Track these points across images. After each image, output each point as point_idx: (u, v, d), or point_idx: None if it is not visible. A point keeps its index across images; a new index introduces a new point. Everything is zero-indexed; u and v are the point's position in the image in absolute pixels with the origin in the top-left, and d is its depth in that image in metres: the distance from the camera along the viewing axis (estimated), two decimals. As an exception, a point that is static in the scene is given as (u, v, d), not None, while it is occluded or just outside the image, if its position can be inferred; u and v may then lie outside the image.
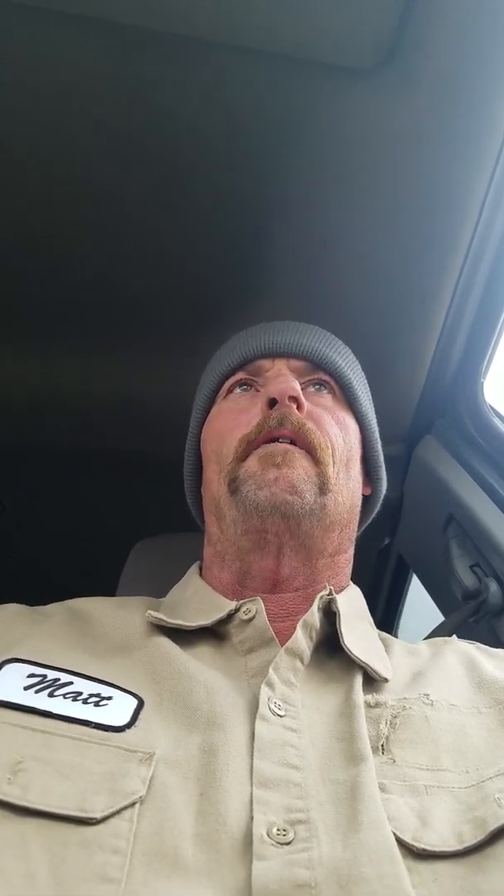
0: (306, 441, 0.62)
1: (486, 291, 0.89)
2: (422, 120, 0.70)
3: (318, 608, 0.56)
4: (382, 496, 0.77)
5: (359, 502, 0.70)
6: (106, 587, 0.95)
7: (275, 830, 0.39)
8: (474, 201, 0.78)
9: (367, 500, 0.75)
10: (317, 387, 0.70)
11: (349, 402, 0.71)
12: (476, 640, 0.67)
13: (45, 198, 0.77)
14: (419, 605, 1.15)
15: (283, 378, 0.66)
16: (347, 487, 0.66)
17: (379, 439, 0.75)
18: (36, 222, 0.80)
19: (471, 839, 0.40)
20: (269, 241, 0.84)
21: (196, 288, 0.89)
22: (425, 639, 0.84)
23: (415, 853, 0.39)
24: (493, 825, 0.40)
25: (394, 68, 0.66)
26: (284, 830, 0.39)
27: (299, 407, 0.64)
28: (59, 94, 0.67)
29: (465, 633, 0.88)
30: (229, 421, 0.67)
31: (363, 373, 0.77)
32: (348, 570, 0.69)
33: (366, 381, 0.77)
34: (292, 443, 0.62)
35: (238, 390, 0.71)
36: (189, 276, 0.88)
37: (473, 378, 0.96)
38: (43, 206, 0.78)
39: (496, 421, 0.94)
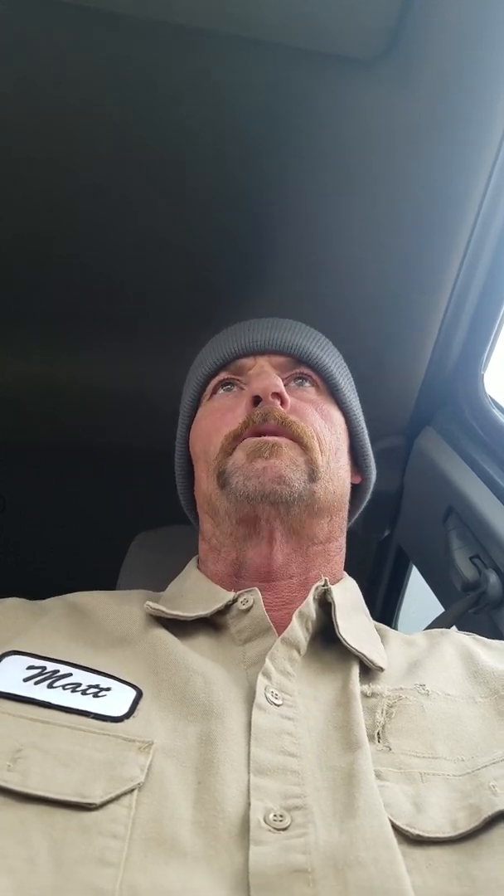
0: (291, 433, 0.63)
1: (486, 283, 0.88)
2: (421, 111, 0.69)
3: (314, 598, 0.57)
4: (372, 485, 0.78)
5: (347, 491, 0.71)
6: (107, 579, 0.96)
7: (272, 816, 0.39)
8: (474, 193, 0.77)
9: (357, 490, 0.76)
10: (299, 381, 0.71)
11: (332, 393, 0.72)
12: (476, 631, 0.67)
13: (45, 194, 0.77)
14: (419, 596, 1.16)
15: (266, 375, 0.67)
16: (337, 476, 0.67)
17: (365, 429, 0.76)
18: (36, 219, 0.80)
19: (465, 826, 0.40)
20: (268, 233, 0.84)
21: (195, 282, 0.89)
22: (425, 630, 0.85)
23: (409, 839, 0.39)
24: (487, 812, 0.40)
25: (394, 59, 0.65)
26: (281, 816, 0.39)
27: (283, 402, 0.65)
28: (58, 86, 0.67)
29: (465, 625, 0.88)
30: (215, 420, 0.68)
31: (346, 365, 0.78)
32: (341, 558, 0.70)
33: (349, 373, 0.78)
34: (277, 436, 0.63)
35: (222, 391, 0.72)
36: (188, 269, 0.88)
37: (474, 370, 0.96)
38: (43, 203, 0.78)
39: (496, 412, 0.94)
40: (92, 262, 0.86)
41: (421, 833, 0.40)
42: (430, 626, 0.87)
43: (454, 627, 0.87)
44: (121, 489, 1.23)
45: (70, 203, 0.78)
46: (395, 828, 0.39)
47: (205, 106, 0.69)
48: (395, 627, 1.22)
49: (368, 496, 0.78)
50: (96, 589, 0.67)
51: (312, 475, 0.62)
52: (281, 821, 0.39)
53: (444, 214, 0.80)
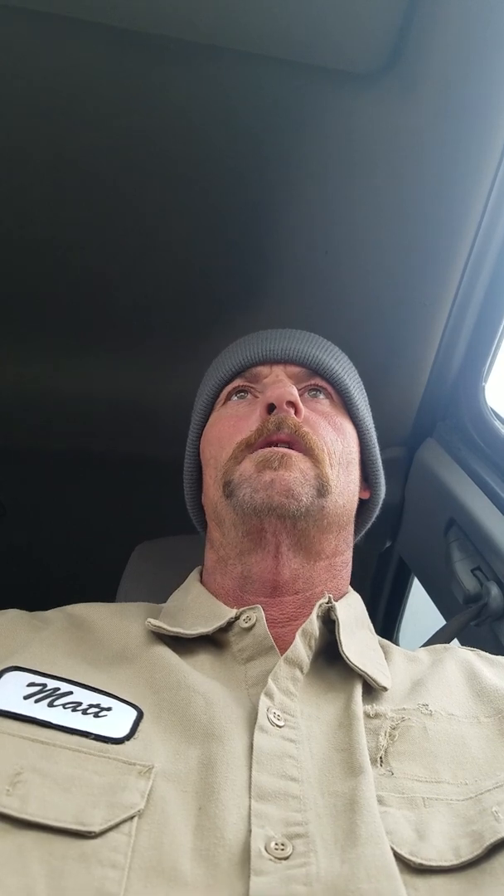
0: (304, 444, 0.63)
1: (487, 295, 0.88)
2: (423, 125, 0.70)
3: (318, 616, 0.56)
4: (381, 501, 0.77)
5: (356, 506, 0.70)
6: (107, 589, 0.95)
7: (273, 845, 0.39)
8: (476, 206, 0.77)
9: (365, 505, 0.75)
10: (314, 393, 0.71)
11: (346, 407, 0.72)
12: (477, 644, 0.67)
13: (48, 203, 0.77)
14: (420, 608, 1.15)
15: (281, 384, 0.66)
16: (347, 490, 0.66)
17: (377, 444, 0.75)
18: (38, 226, 0.80)
19: (468, 854, 0.40)
20: (271, 245, 0.84)
21: (198, 291, 0.89)
22: (427, 642, 0.84)
23: (412, 868, 0.39)
24: (489, 839, 0.40)
25: (396, 73, 0.65)
26: (283, 845, 0.39)
27: (297, 412, 0.64)
28: (63, 100, 0.67)
29: (467, 637, 0.88)
30: (228, 427, 0.68)
31: (360, 378, 0.77)
32: (346, 573, 0.69)
33: (363, 387, 0.77)
34: (289, 446, 0.62)
35: (236, 397, 0.71)
36: (191, 279, 0.88)
37: (475, 381, 0.96)
38: (45, 211, 0.78)
39: (497, 424, 0.94)
40: (95, 272, 0.86)
41: (423, 862, 0.39)
42: (431, 639, 0.87)
43: (456, 640, 0.87)
44: (122, 498, 1.23)
45: (73, 213, 0.78)
46: (397, 856, 0.39)
47: (209, 120, 0.69)
48: (396, 639, 1.22)
49: (377, 512, 0.77)
50: (97, 598, 0.67)
51: (322, 489, 0.62)
52: (282, 850, 0.38)
53: (445, 226, 0.80)
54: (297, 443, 0.62)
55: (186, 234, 0.82)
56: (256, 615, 0.57)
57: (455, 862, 0.39)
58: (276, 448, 0.62)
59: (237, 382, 0.72)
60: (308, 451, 0.62)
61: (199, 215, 0.80)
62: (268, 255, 0.85)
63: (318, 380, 0.71)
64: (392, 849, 0.39)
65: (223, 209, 0.79)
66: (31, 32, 0.61)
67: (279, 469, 0.60)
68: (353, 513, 0.69)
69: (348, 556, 0.69)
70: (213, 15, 0.60)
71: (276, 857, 0.38)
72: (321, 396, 0.70)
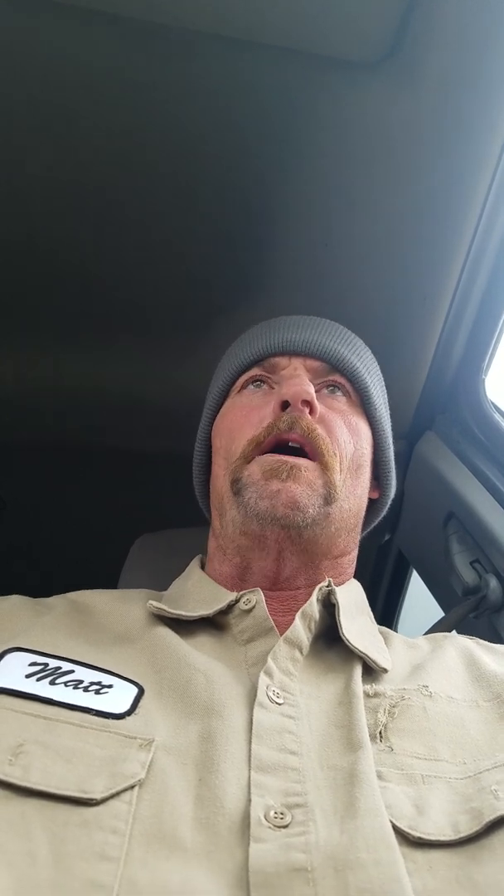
0: (315, 447, 0.62)
1: (487, 288, 0.89)
2: (423, 115, 0.70)
3: (318, 599, 0.57)
4: (390, 500, 0.76)
5: (364, 506, 0.69)
6: (107, 581, 0.96)
7: (272, 814, 0.39)
8: (476, 197, 0.78)
9: (374, 503, 0.74)
10: (331, 389, 0.69)
11: (364, 405, 0.70)
12: (476, 636, 0.67)
13: (47, 199, 0.78)
14: (419, 600, 1.16)
15: (298, 380, 0.64)
16: (354, 494, 0.65)
17: (392, 444, 0.74)
18: (38, 223, 0.81)
19: (467, 830, 0.40)
20: (269, 239, 0.84)
21: (196, 287, 0.90)
22: (425, 634, 0.84)
23: (410, 841, 0.39)
24: (489, 816, 0.40)
25: (396, 63, 0.66)
26: (282, 814, 0.39)
27: (311, 411, 0.63)
28: (58, 91, 0.67)
29: (465, 629, 0.88)
30: (240, 417, 0.67)
31: (381, 375, 0.76)
32: (351, 569, 0.69)
33: (383, 383, 0.76)
34: (301, 448, 0.62)
35: (252, 386, 0.70)
36: (189, 275, 0.88)
37: (474, 374, 0.97)
38: (44, 208, 0.79)
39: (497, 417, 0.94)
40: (93, 268, 0.86)
41: (422, 835, 0.39)
42: (430, 631, 0.87)
43: (454, 632, 0.87)
44: (123, 491, 1.23)
45: (73, 209, 0.79)
46: (396, 829, 0.39)
47: (206, 110, 0.69)
48: (394, 631, 1.22)
49: (385, 511, 0.77)
50: (97, 586, 0.67)
51: (329, 497, 0.61)
52: (282, 818, 0.39)
53: (445, 220, 0.81)
54: (309, 445, 0.62)
55: (184, 231, 0.82)
56: (256, 597, 0.58)
57: (454, 837, 0.40)
58: (285, 458, 0.61)
59: (254, 371, 0.70)
60: (318, 455, 0.62)
61: (196, 211, 0.80)
62: (266, 247, 0.85)
63: (338, 376, 0.69)
64: (391, 822, 0.39)
65: (220, 204, 0.79)
66: (18, 18, 0.61)
67: (287, 480, 0.59)
68: (361, 515, 0.69)
69: (354, 553, 0.70)
70: (212, 4, 0.60)
71: (275, 826, 0.38)
72: (339, 394, 0.69)
